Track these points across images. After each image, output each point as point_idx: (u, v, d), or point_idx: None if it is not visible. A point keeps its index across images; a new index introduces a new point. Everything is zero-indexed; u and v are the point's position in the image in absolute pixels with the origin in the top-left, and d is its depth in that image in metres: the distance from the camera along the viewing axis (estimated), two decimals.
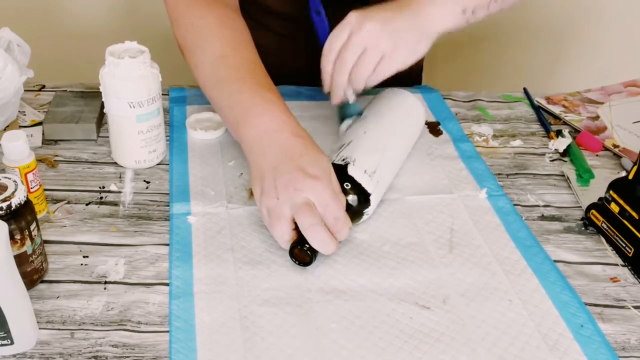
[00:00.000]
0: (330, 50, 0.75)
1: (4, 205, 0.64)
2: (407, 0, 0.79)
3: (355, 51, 0.75)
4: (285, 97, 1.03)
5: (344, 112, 0.88)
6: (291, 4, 1.02)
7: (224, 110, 0.83)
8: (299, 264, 0.73)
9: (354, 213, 0.77)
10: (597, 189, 0.87)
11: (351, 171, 0.77)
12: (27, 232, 0.66)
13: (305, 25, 1.00)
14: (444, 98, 1.08)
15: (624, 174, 0.90)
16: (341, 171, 0.77)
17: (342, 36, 0.74)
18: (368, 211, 0.78)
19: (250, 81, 0.81)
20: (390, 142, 0.84)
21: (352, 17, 0.76)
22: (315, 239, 0.70)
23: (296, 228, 0.72)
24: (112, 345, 0.64)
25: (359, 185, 0.76)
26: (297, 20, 1.02)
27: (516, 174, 0.92)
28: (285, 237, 0.72)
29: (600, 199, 0.82)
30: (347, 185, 0.76)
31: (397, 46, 0.77)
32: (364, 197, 0.77)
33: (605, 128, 1.02)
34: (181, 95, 1.03)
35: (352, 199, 0.76)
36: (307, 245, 0.70)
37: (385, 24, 0.76)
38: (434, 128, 0.99)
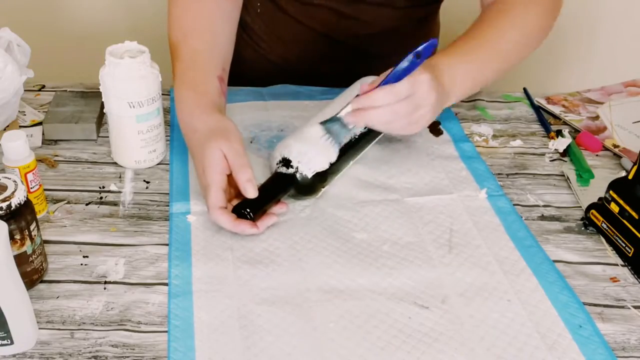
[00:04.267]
0: (396, 95, 0.77)
1: (4, 205, 0.64)
2: (444, 77, 0.83)
3: (411, 111, 0.79)
4: (286, 97, 1.05)
5: (330, 127, 0.83)
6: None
7: None
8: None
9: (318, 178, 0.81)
10: (597, 189, 0.87)
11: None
12: (27, 232, 0.66)
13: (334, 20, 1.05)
14: None
15: (623, 174, 0.90)
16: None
17: (411, 91, 0.78)
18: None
19: (181, 77, 0.87)
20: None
21: (426, 79, 0.79)
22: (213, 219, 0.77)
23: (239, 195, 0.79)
24: (112, 345, 0.64)
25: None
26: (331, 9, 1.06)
27: (516, 174, 0.92)
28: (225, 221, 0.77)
29: (600, 199, 0.82)
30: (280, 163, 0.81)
31: (432, 118, 0.82)
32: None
33: (605, 128, 1.02)
34: None
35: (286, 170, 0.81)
36: (247, 210, 0.76)
37: (440, 102, 0.83)
38: (434, 128, 0.99)
